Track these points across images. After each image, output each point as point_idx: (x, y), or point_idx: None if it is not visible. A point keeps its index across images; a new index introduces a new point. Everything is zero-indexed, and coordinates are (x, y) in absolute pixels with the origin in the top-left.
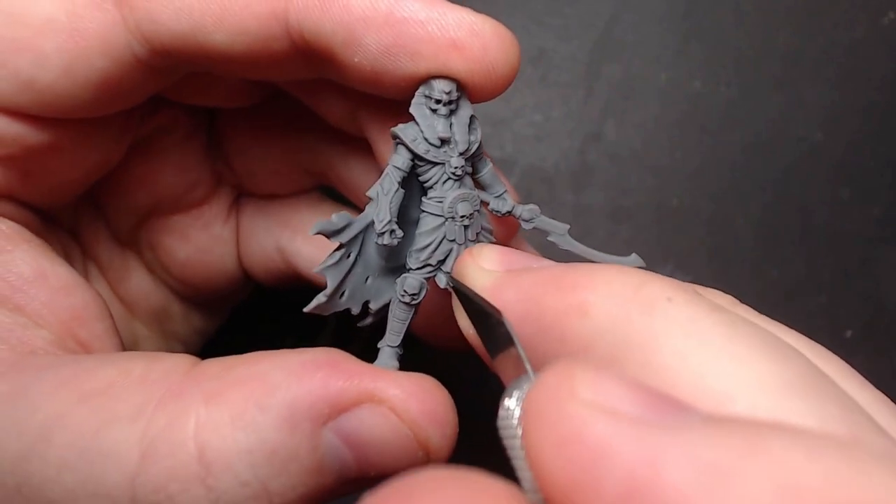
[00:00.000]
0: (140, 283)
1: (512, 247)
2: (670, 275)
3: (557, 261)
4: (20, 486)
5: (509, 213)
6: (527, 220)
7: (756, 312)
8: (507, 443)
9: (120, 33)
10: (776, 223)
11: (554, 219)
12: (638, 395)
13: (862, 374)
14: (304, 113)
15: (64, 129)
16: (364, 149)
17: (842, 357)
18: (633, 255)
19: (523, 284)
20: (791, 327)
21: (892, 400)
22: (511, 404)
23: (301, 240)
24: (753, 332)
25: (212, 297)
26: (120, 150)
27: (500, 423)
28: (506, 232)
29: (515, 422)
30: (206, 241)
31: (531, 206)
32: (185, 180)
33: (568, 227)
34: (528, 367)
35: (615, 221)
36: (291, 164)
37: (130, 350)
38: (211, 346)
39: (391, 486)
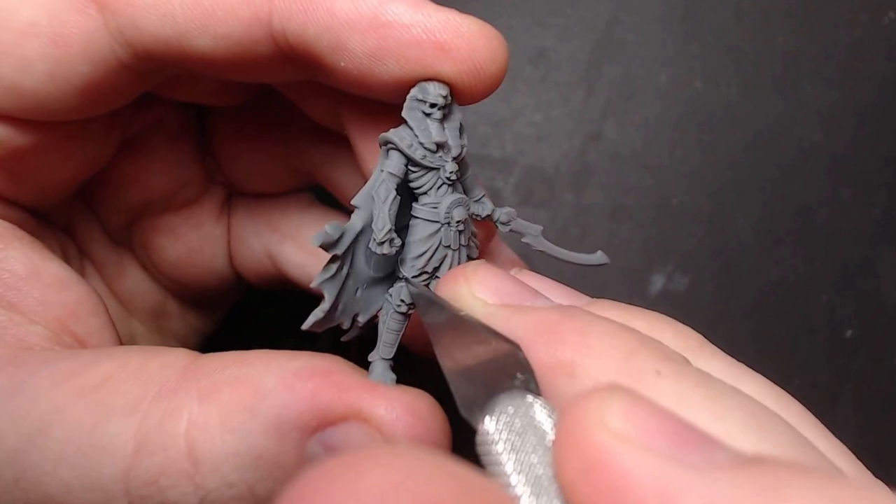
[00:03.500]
0: (135, 280)
1: (491, 249)
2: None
3: (533, 261)
4: (18, 480)
5: (489, 216)
6: (504, 223)
7: (723, 353)
8: (484, 459)
9: (103, 38)
10: (776, 223)
11: (554, 219)
12: (668, 427)
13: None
14: (292, 111)
15: (49, 130)
16: (351, 148)
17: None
18: (599, 253)
19: (516, 329)
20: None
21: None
22: (492, 426)
23: (290, 244)
24: (738, 406)
25: (206, 296)
26: (108, 149)
27: (480, 441)
28: (484, 234)
29: (497, 439)
30: (196, 240)
31: (508, 209)
32: (175, 179)
33: (541, 228)
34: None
35: (615, 221)
36: (279, 163)
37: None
38: (209, 344)
39: (334, 461)
